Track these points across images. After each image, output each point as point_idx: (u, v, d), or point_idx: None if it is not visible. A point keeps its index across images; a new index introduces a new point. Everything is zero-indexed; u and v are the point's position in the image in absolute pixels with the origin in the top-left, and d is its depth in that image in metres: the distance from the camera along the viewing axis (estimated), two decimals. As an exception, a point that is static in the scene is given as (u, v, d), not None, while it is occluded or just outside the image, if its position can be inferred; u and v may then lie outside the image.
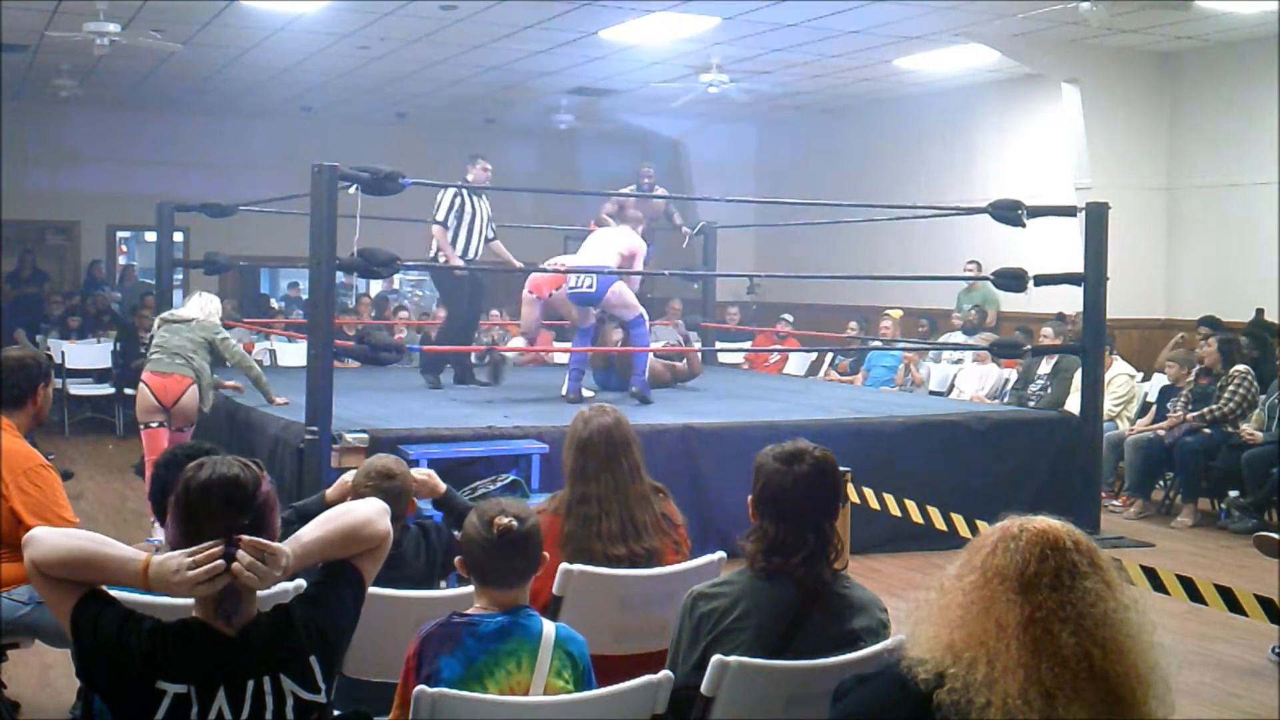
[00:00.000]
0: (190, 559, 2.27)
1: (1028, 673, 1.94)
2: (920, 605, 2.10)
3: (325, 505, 3.77)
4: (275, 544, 2.35)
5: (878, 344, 11.92)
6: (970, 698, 1.95)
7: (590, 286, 8.32)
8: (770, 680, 2.82)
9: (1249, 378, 8.81)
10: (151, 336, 7.83)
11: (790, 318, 13.55)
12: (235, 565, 2.28)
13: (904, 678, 2.06)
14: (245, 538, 2.31)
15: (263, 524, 2.35)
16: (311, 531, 2.46)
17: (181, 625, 2.32)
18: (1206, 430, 8.74)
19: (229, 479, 2.33)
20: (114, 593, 2.37)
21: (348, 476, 3.93)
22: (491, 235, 9.36)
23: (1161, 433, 8.97)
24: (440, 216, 9.09)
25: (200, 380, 7.52)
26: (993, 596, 2.00)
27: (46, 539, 2.32)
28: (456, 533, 3.68)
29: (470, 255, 9.16)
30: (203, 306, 7.84)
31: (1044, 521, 2.07)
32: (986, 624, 1.99)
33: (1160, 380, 9.90)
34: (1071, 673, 1.94)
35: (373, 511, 2.53)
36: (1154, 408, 9.56)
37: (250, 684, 2.30)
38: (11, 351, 4.55)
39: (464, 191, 9.11)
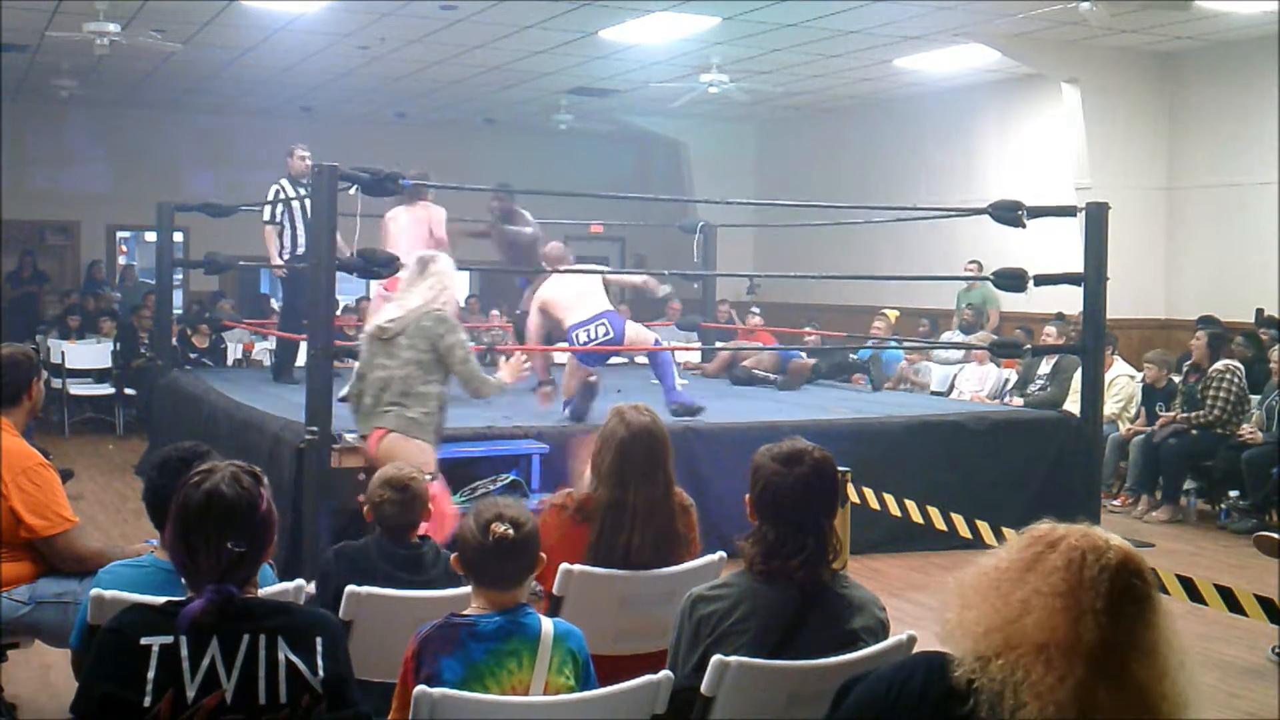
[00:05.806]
0: None
1: (1079, 685, 1.91)
2: (966, 589, 2.03)
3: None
4: None
5: (875, 345, 11.90)
6: (1015, 699, 1.91)
7: (609, 334, 7.72)
8: (770, 680, 2.82)
9: (1228, 375, 8.78)
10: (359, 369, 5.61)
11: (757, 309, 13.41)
12: None
13: (904, 677, 2.05)
14: None
15: (261, 542, 2.34)
16: None
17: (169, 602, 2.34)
18: (1193, 431, 8.74)
19: (227, 500, 2.32)
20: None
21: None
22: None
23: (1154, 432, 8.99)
24: (267, 217, 8.95)
25: (413, 424, 5.32)
26: (1063, 608, 1.93)
27: None
28: None
29: (301, 250, 8.85)
30: (433, 287, 5.36)
31: (1122, 542, 2.04)
32: (1043, 630, 1.92)
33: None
34: (1123, 695, 1.92)
35: None
36: (1142, 409, 9.58)
37: (245, 639, 2.28)
38: (4, 349, 4.53)
39: (285, 186, 8.99)
